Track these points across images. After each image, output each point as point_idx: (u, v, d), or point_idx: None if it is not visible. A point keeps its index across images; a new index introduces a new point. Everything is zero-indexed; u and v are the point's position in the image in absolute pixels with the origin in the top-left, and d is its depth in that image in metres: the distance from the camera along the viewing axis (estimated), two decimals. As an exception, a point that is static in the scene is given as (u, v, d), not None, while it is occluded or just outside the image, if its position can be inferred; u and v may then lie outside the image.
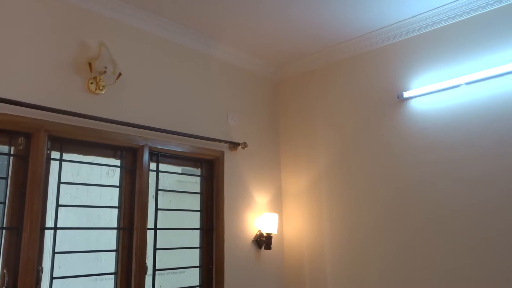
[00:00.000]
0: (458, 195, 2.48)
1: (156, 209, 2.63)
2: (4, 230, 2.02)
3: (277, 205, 3.36)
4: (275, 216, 3.13)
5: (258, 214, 3.17)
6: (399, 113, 2.81)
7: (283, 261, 3.30)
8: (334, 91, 3.21)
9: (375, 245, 2.80)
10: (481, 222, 2.37)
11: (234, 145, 3.07)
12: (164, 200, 2.79)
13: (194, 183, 3.17)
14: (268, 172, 3.36)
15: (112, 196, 2.62)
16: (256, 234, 3.13)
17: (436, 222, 2.54)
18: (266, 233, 3.09)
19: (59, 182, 2.23)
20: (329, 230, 3.06)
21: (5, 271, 1.99)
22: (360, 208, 2.91)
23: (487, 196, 2.37)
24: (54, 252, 2.15)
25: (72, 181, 2.37)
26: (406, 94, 2.76)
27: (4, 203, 2.04)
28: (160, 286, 2.70)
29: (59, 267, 2.28)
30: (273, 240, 3.15)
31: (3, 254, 2.00)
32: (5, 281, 1.98)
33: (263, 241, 3.10)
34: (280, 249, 3.30)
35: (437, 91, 2.63)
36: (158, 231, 2.62)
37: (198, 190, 2.96)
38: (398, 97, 2.79)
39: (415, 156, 2.69)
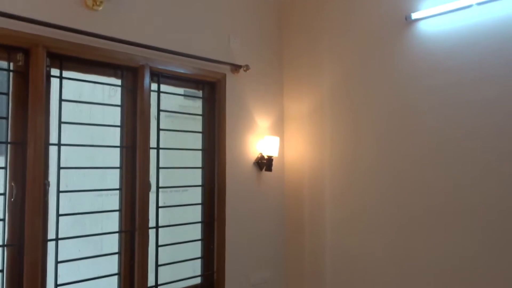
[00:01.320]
0: (465, 119, 2.45)
1: (158, 129, 2.66)
2: (9, 145, 2.06)
3: (279, 128, 3.38)
4: (276, 139, 3.16)
5: (260, 137, 3.20)
6: (406, 36, 2.72)
7: (284, 183, 3.40)
8: (339, 13, 3.09)
9: (376, 170, 2.85)
10: (488, 146, 2.37)
11: (236, 67, 3.03)
12: (167, 124, 2.81)
13: (196, 108, 3.18)
14: (271, 96, 3.34)
15: (115, 119, 2.64)
16: (257, 157, 3.18)
17: (441, 147, 2.55)
18: (267, 156, 3.15)
19: (61, 100, 2.23)
20: (330, 154, 3.11)
21: (13, 184, 2.06)
22: (363, 133, 2.93)
23: (495, 119, 2.35)
24: (59, 167, 2.21)
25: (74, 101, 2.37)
26: (414, 16, 2.65)
27: (7, 118, 2.06)
28: (164, 202, 2.80)
29: (66, 186, 2.36)
30: (274, 162, 3.22)
31: (9, 168, 2.06)
32: (14, 194, 2.06)
33: (264, 163, 3.16)
34: (281, 171, 3.38)
35: (447, 12, 2.52)
36: (160, 151, 2.67)
37: (200, 114, 2.97)
38: (406, 19, 2.69)
39: (422, 81, 2.64)
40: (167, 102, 3.32)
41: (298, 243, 3.30)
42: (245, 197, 3.11)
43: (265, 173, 3.22)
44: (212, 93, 2.98)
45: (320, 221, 3.15)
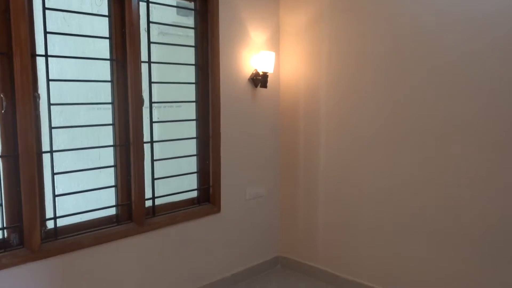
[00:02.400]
0: (463, 40, 2.38)
1: (149, 42, 2.57)
2: (-7, 55, 2.00)
3: (274, 43, 3.28)
4: (272, 54, 3.07)
5: (255, 53, 3.11)
6: None
7: (279, 100, 3.37)
8: None
9: (375, 89, 2.80)
10: (486, 67, 2.32)
11: (229, -24, 2.86)
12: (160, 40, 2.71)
13: (189, 25, 3.04)
14: (266, 8, 3.19)
15: (95, 31, 2.53)
16: (252, 73, 3.12)
17: (438, 70, 2.49)
18: (262, 72, 3.09)
19: (44, 8, 2.12)
20: (327, 72, 3.05)
21: (2, 96, 2.02)
22: (364, 51, 2.84)
23: (493, 38, 2.27)
24: (48, 80, 2.16)
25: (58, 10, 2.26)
26: None
27: (-12, 26, 1.97)
28: (158, 118, 2.79)
29: (59, 100, 2.33)
30: (269, 79, 3.16)
31: (-3, 79, 2.01)
32: (4, 105, 2.03)
33: (259, 80, 3.11)
34: (277, 88, 3.33)
35: None
36: (154, 68, 2.60)
37: (193, 31, 2.85)
38: None
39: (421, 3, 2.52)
40: (159, 17, 3.19)
41: (292, 160, 3.34)
42: (240, 113, 3.09)
43: (260, 89, 3.18)
44: (204, 4, 2.84)
45: (315, 137, 3.17)
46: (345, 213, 3.04)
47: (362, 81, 2.85)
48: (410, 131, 2.64)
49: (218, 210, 3.01)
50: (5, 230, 2.11)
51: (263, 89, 3.18)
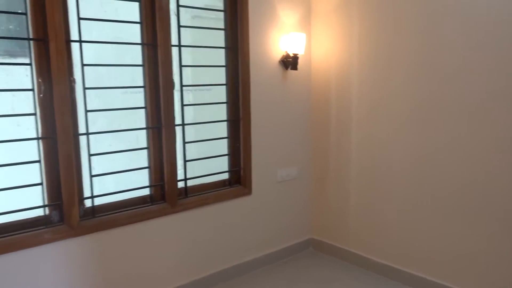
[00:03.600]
0: (503, 14, 2.26)
1: (179, 26, 2.61)
2: (31, 42, 2.10)
3: (305, 25, 3.24)
4: (302, 35, 3.04)
5: (285, 34, 3.09)
6: None
7: (311, 82, 3.33)
8: None
9: (405, 74, 2.73)
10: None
11: (258, -43, 2.84)
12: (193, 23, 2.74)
13: (221, 7, 3.06)
14: (296, -11, 3.15)
15: (130, 16, 2.58)
16: (283, 55, 3.10)
17: (474, 47, 2.39)
18: (293, 54, 3.06)
19: (77, -6, 2.20)
20: (358, 53, 2.98)
21: (40, 80, 2.13)
22: (393, 32, 2.76)
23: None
24: (83, 65, 2.24)
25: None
26: None
27: (25, 14, 2.07)
28: (189, 101, 2.84)
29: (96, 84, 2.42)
30: (300, 60, 3.13)
31: (35, 64, 2.11)
32: (42, 90, 2.14)
33: (289, 62, 3.09)
34: (308, 70, 3.30)
35: None
36: (182, 48, 2.64)
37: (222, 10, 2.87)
38: None
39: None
40: (192, 0, 3.21)
41: (324, 141, 3.32)
42: (271, 96, 3.09)
43: (290, 72, 3.16)
44: (233, -14, 2.84)
45: (346, 120, 3.13)
46: (377, 195, 3.00)
47: (394, 62, 2.78)
48: (444, 110, 2.55)
49: (249, 192, 3.04)
50: (46, 208, 2.24)
51: (293, 71, 3.16)
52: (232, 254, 3.01)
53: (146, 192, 2.63)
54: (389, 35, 2.79)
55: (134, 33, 2.73)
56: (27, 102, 2.15)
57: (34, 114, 2.14)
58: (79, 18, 2.22)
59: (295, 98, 3.25)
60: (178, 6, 2.60)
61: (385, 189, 2.94)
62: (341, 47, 3.09)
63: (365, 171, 3.06)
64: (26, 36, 2.10)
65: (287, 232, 3.35)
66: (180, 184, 2.74)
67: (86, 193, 2.38)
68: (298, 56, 3.07)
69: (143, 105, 2.54)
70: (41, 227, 2.20)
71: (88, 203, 2.39)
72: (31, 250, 2.13)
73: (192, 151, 2.80)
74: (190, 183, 2.80)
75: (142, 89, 2.54)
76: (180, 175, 2.72)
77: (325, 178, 3.35)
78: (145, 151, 2.61)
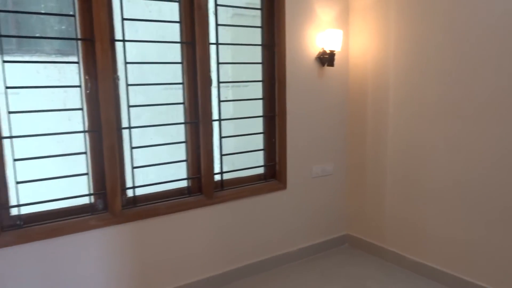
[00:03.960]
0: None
1: (217, 25, 2.70)
2: (79, 41, 2.26)
3: (343, 21, 3.24)
4: (339, 32, 3.05)
5: (321, 31, 3.11)
6: None
7: (348, 78, 3.33)
8: None
9: (442, 72, 2.68)
10: None
11: (295, -45, 2.87)
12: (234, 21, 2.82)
13: (250, 3, 3.12)
14: (334, -14, 3.16)
15: (173, 16, 2.71)
16: (319, 52, 3.12)
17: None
18: (329, 50, 3.08)
19: (121, -2, 2.34)
20: (394, 49, 2.96)
21: (87, 77, 2.29)
22: (431, 29, 2.71)
23: None
24: (126, 62, 2.39)
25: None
26: None
27: (74, 16, 2.23)
28: (226, 97, 2.93)
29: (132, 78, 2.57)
30: (337, 57, 3.15)
31: (83, 63, 2.28)
32: (88, 86, 2.30)
33: (326, 58, 3.11)
34: (345, 66, 3.30)
35: None
36: (219, 46, 2.73)
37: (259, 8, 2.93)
38: None
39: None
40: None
41: (359, 138, 3.32)
42: (307, 92, 3.13)
43: (327, 68, 3.18)
44: (270, -15, 2.90)
45: (383, 117, 3.10)
46: (412, 192, 2.96)
47: (431, 60, 2.73)
48: (481, 106, 2.49)
49: (284, 187, 3.10)
50: (92, 196, 2.41)
51: (330, 68, 3.17)
52: (266, 247, 3.08)
53: (184, 184, 2.75)
54: (425, 32, 2.74)
55: (177, 31, 2.86)
56: (76, 98, 2.33)
57: (81, 109, 2.30)
58: (123, 19, 2.36)
59: (331, 94, 3.26)
60: (216, 5, 2.69)
61: (422, 187, 2.90)
62: (377, 43, 3.07)
63: (400, 168, 3.03)
64: (74, 37, 2.26)
65: (322, 227, 3.38)
66: (217, 177, 2.84)
67: (128, 183, 2.53)
68: (334, 52, 3.09)
69: (181, 101, 2.66)
70: (87, 214, 2.38)
71: (129, 193, 2.54)
72: (78, 235, 2.30)
73: (231, 145, 2.89)
74: (226, 176, 2.90)
75: (181, 86, 2.66)
76: (216, 168, 2.83)
77: (361, 175, 3.35)
78: (184, 144, 2.73)
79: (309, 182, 3.25)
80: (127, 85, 2.42)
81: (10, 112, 2.09)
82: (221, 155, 2.84)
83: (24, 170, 2.17)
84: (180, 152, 2.80)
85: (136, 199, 2.55)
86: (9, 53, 2.24)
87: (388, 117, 3.07)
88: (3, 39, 2.06)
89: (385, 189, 3.17)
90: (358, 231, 3.43)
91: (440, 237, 2.82)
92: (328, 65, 3.12)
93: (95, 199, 2.43)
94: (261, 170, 3.09)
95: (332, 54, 3.08)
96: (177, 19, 2.59)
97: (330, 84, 3.24)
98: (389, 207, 3.15)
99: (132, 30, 2.55)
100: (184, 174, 2.76)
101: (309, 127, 3.18)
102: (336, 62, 3.14)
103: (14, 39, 2.52)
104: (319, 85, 3.18)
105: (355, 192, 3.42)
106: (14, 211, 2.19)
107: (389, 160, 3.11)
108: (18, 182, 2.15)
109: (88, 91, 2.30)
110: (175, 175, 2.73)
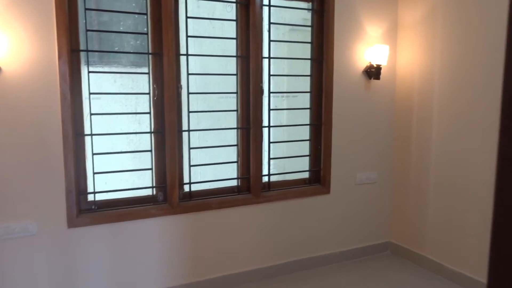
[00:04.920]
0: None
1: (270, 41, 2.99)
2: (150, 55, 2.65)
3: (391, 37, 3.39)
4: (386, 47, 3.21)
5: (369, 46, 3.29)
6: None
7: (394, 91, 3.47)
8: None
9: (486, 87, 2.76)
10: None
11: (345, -24, 3.10)
12: (291, 37, 3.10)
13: (306, 20, 3.37)
14: (383, 3, 3.32)
15: (231, 33, 3.04)
16: (366, 66, 3.30)
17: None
18: (376, 64, 3.25)
19: (186, 17, 2.70)
20: (440, 64, 3.07)
21: (154, 86, 2.67)
22: (476, 44, 2.81)
23: None
24: (188, 74, 2.74)
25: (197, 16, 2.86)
26: None
27: (147, 34, 2.62)
28: (276, 106, 3.21)
29: (195, 87, 2.93)
30: (384, 71, 3.31)
31: (151, 74, 2.66)
32: (156, 94, 2.68)
33: (372, 72, 3.28)
34: (392, 80, 3.45)
35: None
36: (271, 60, 3.02)
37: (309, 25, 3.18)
38: None
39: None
40: (290, 16, 3.59)
41: (404, 149, 3.43)
42: (353, 103, 3.31)
43: (373, 81, 3.35)
44: (321, 3, 3.14)
45: (427, 129, 3.21)
46: (455, 203, 3.03)
47: (476, 74, 2.81)
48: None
49: (328, 191, 3.30)
50: (154, 189, 2.78)
51: (376, 81, 3.33)
52: (309, 247, 3.29)
53: (234, 183, 3.05)
54: (470, 49, 2.83)
55: (226, 45, 3.19)
56: (145, 103, 2.71)
57: (149, 113, 2.68)
58: (187, 36, 2.72)
59: (377, 106, 3.42)
60: (270, 23, 2.98)
61: (464, 199, 2.97)
62: (424, 58, 3.19)
63: (444, 179, 3.11)
64: (146, 51, 2.66)
65: (364, 233, 3.52)
66: (264, 179, 3.11)
67: (185, 179, 2.88)
68: (381, 66, 3.25)
69: (235, 109, 2.97)
70: (149, 204, 2.75)
71: (186, 188, 2.88)
72: (140, 221, 2.68)
73: (282, 150, 3.16)
74: (273, 178, 3.16)
75: (235, 95, 2.98)
76: (264, 170, 3.10)
77: (405, 184, 3.45)
78: (235, 148, 3.04)
79: (353, 188, 3.42)
80: (188, 93, 2.77)
81: (91, 114, 2.51)
82: (269, 158, 3.11)
83: (101, 163, 2.59)
84: (233, 155, 3.11)
85: (191, 194, 2.88)
86: (92, 64, 2.67)
87: (432, 130, 3.17)
88: (89, 53, 2.49)
89: (428, 199, 3.25)
90: (400, 238, 3.53)
91: (480, 247, 2.87)
92: (374, 78, 3.29)
93: (157, 191, 2.79)
94: (306, 175, 3.32)
95: (378, 68, 3.25)
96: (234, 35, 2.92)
97: (376, 96, 3.40)
98: (431, 217, 3.23)
99: (198, 45, 2.91)
100: (234, 174, 3.06)
101: (355, 136, 3.36)
102: (382, 75, 3.30)
103: (96, 53, 2.98)
104: (365, 97, 3.35)
105: (400, 200, 3.53)
106: (90, 197, 2.61)
107: (433, 171, 3.20)
108: (95, 173, 2.56)
109: (155, 98, 2.68)
110: (227, 175, 3.04)
